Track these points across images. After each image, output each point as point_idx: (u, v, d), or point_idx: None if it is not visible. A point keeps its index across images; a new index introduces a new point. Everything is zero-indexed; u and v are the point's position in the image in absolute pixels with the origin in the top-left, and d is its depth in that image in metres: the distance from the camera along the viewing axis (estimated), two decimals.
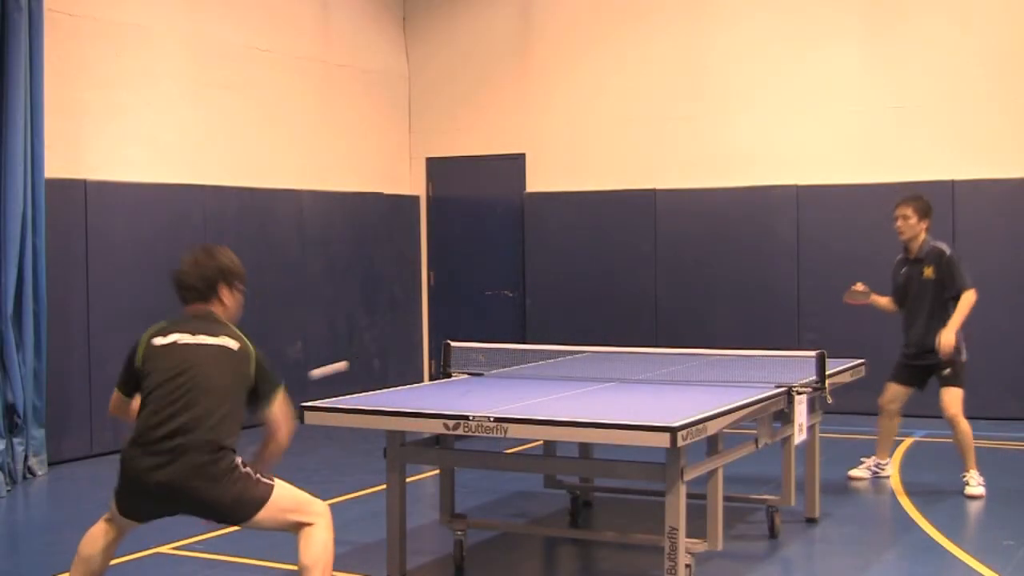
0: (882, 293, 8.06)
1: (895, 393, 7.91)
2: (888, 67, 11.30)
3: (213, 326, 4.59)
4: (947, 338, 7.42)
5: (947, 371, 7.56)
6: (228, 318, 4.69)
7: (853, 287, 8.11)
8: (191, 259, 4.67)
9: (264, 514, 4.44)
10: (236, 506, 4.41)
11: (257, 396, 4.58)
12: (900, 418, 8.04)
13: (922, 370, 7.76)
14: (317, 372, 5.74)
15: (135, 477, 4.42)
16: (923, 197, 7.82)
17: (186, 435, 4.35)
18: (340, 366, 5.91)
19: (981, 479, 7.60)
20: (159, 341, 4.56)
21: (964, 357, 7.56)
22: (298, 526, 4.49)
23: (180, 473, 4.34)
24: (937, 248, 7.64)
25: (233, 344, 4.54)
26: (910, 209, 7.66)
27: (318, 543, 4.45)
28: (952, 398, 7.53)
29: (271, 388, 4.59)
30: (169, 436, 4.36)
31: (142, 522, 4.61)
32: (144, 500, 4.48)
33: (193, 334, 4.55)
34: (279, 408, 4.61)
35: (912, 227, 7.66)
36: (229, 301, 4.69)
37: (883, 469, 8.15)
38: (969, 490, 7.53)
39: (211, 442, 4.37)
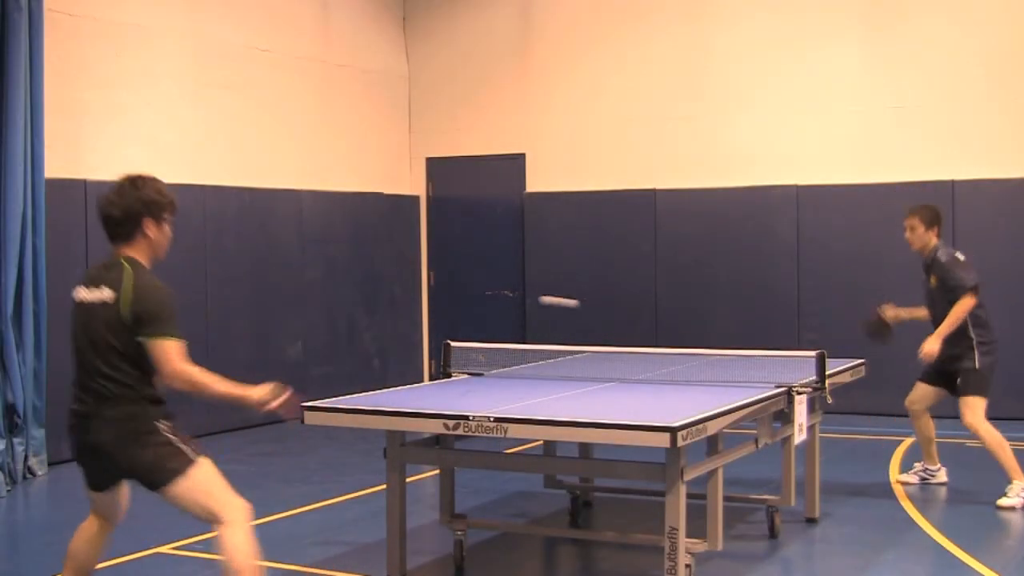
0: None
1: (919, 392, 7.74)
2: (888, 67, 11.30)
3: (108, 276, 4.43)
4: (928, 345, 7.33)
5: (958, 380, 7.44)
6: (155, 254, 4.56)
7: (884, 313, 7.80)
8: (116, 190, 4.49)
9: (181, 490, 4.38)
10: (152, 470, 4.38)
11: (139, 336, 4.34)
12: (930, 419, 7.80)
13: (947, 374, 7.56)
14: (547, 299, 5.80)
15: (74, 441, 4.54)
16: (930, 205, 7.74)
17: (96, 395, 4.39)
18: (571, 303, 6.00)
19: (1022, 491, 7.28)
20: (75, 297, 4.53)
21: (977, 365, 7.37)
22: (213, 518, 4.41)
23: (96, 432, 4.39)
24: (936, 256, 7.55)
25: (109, 295, 4.38)
26: (916, 219, 7.62)
27: (237, 547, 4.37)
28: (966, 408, 7.38)
29: (150, 331, 4.33)
30: (84, 400, 4.43)
31: (103, 491, 4.61)
32: (89, 462, 4.52)
33: (90, 290, 4.46)
34: (162, 355, 4.32)
35: (920, 237, 7.61)
36: (156, 235, 4.53)
37: (933, 475, 7.89)
38: (1001, 500, 7.26)
39: (115, 395, 4.36)
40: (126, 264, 4.46)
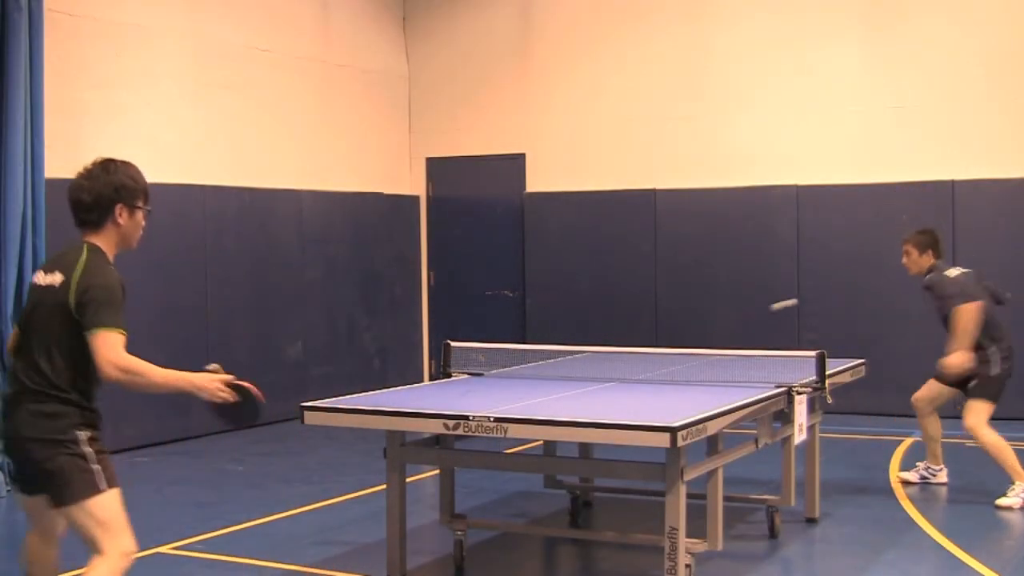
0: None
1: (929, 391, 7.76)
2: (888, 67, 11.30)
3: (64, 260, 4.26)
4: (952, 360, 7.28)
5: (973, 383, 7.44)
6: (125, 244, 4.39)
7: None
8: (86, 174, 4.29)
9: (79, 514, 4.09)
10: (57, 484, 4.09)
11: (81, 326, 4.10)
12: (937, 419, 7.84)
13: (964, 377, 7.53)
14: (777, 305, 6.99)
15: (3, 430, 4.28)
16: (925, 230, 7.78)
17: (23, 385, 4.17)
18: (791, 302, 7.01)
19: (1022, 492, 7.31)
20: (31, 281, 4.35)
21: (995, 371, 7.37)
22: (97, 546, 4.10)
23: (16, 423, 4.15)
24: (926, 279, 7.62)
25: (59, 279, 4.17)
26: (910, 245, 7.69)
27: None
28: (971, 410, 7.39)
29: (92, 321, 4.08)
30: (13, 387, 4.24)
31: (28, 495, 4.30)
32: (12, 456, 4.30)
33: (45, 274, 4.27)
34: (98, 344, 4.06)
35: (915, 262, 7.68)
36: (127, 223, 4.32)
37: (935, 475, 7.92)
38: (1000, 499, 7.30)
39: (39, 390, 4.12)
40: (85, 250, 4.28)
